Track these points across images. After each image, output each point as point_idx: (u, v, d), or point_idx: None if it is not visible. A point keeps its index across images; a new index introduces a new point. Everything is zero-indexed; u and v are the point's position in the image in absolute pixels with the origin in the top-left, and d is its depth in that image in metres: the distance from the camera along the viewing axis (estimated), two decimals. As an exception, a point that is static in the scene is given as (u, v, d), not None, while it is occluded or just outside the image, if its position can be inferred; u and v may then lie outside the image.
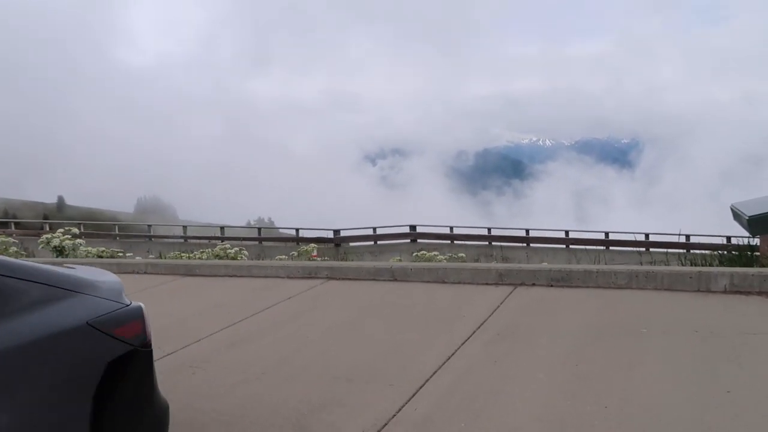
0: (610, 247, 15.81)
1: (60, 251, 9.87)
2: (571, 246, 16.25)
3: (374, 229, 17.96)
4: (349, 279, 5.96)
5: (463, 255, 11.40)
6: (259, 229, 18.99)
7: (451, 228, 17.19)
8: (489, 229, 17.20)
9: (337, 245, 16.77)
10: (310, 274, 6.20)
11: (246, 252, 11.78)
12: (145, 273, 7.22)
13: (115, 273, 7.02)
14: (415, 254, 11.43)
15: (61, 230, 10.13)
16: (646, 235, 16.79)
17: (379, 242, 17.14)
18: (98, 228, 23.14)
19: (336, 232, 16.71)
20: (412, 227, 17.08)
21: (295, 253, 11.43)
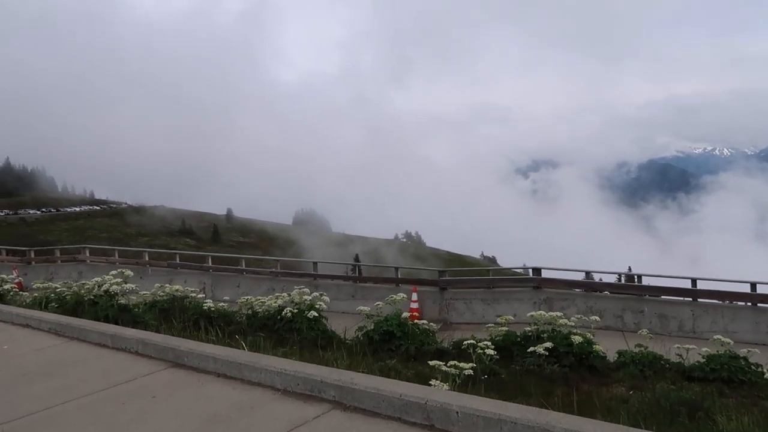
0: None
1: (111, 296, 8.74)
2: (759, 304, 11.87)
3: (489, 271, 15.16)
4: (363, 413, 3.64)
5: (597, 318, 8.40)
6: (357, 266, 17.10)
7: (587, 273, 13.76)
8: (638, 276, 13.46)
9: (443, 289, 14.18)
10: (311, 392, 3.99)
11: (326, 298, 9.89)
12: (136, 353, 5.50)
13: (108, 348, 5.29)
14: (530, 314, 8.70)
15: (114, 272, 9.04)
16: None
17: (494, 288, 14.13)
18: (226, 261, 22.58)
19: (441, 273, 14.07)
20: (536, 270, 13.87)
21: (380, 304, 9.29)
